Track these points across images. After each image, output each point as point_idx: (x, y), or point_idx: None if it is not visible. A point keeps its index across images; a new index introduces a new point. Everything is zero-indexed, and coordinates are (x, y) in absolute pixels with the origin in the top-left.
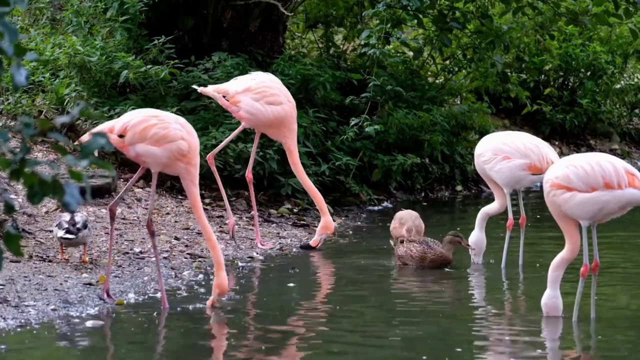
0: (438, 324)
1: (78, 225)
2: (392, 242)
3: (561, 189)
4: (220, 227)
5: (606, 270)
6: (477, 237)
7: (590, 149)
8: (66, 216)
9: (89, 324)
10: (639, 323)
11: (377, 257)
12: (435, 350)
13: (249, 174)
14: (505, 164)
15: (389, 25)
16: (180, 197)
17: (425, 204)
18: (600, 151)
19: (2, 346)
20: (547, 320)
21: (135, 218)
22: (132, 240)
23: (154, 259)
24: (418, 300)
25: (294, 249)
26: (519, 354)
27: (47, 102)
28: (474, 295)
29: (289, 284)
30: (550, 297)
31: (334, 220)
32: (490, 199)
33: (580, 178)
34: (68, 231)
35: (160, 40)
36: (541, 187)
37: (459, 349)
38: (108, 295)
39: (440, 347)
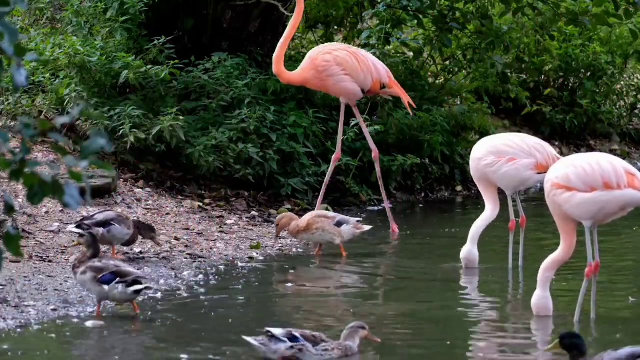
0: (439, 324)
1: (88, 222)
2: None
3: (561, 189)
4: (220, 227)
5: (606, 271)
6: (468, 251)
7: (590, 149)
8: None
9: (89, 324)
10: (639, 323)
11: (376, 257)
12: (436, 350)
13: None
14: (511, 166)
15: (389, 26)
16: (180, 197)
17: (425, 204)
18: (600, 152)
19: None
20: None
21: (135, 218)
22: None
23: (154, 258)
24: (419, 301)
25: (294, 249)
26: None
27: (47, 102)
28: (475, 296)
29: (288, 284)
30: (541, 298)
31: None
32: None
33: (580, 178)
34: (79, 226)
35: (160, 41)
36: (541, 187)
37: (458, 349)
38: None
39: (440, 346)
